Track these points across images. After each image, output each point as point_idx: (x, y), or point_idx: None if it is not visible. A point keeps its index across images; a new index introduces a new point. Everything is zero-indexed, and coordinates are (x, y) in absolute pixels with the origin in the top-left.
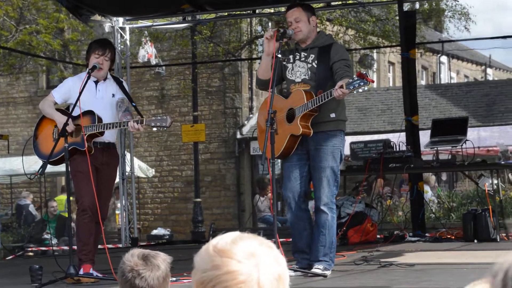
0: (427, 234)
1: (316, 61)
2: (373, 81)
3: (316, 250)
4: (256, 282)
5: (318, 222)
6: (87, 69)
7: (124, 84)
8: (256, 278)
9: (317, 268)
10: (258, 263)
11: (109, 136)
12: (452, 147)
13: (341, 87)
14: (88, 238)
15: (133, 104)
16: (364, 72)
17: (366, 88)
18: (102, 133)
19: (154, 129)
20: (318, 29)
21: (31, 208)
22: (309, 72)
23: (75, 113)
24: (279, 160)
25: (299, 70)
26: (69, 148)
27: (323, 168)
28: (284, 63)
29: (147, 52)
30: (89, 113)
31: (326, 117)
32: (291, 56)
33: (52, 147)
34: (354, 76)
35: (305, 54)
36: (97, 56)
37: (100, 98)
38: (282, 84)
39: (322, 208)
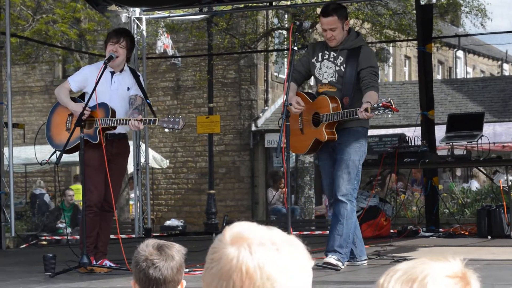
0: (440, 230)
1: (344, 65)
2: (397, 110)
3: (333, 239)
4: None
5: (336, 211)
6: (104, 59)
7: (141, 78)
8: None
9: (332, 258)
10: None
11: (120, 127)
12: (468, 142)
13: (366, 110)
14: (91, 231)
15: (148, 101)
16: (389, 101)
17: (390, 116)
18: (115, 127)
19: (166, 130)
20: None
21: (46, 198)
22: (337, 75)
23: (90, 104)
24: (293, 154)
25: (326, 71)
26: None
27: (345, 160)
28: (313, 60)
29: (163, 43)
30: (103, 105)
31: None
32: (320, 54)
33: (68, 136)
34: (380, 103)
35: (334, 55)
36: (112, 43)
37: (115, 89)
38: (309, 79)
39: (341, 198)
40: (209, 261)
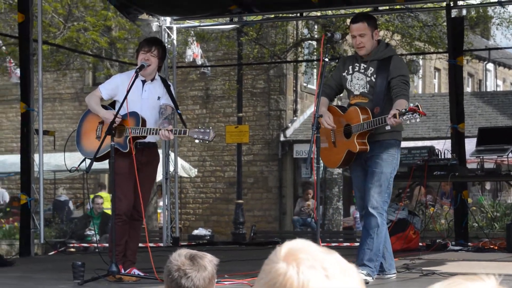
0: (469, 244)
1: (374, 75)
2: (425, 114)
3: (363, 253)
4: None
5: (367, 225)
6: (136, 68)
7: (172, 88)
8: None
9: (361, 272)
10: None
11: (150, 136)
12: (498, 156)
13: (395, 116)
14: (119, 240)
15: (178, 111)
16: (416, 105)
17: (418, 120)
18: (145, 136)
19: (196, 141)
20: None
21: (70, 205)
22: (368, 86)
23: (121, 113)
24: (323, 164)
25: (357, 83)
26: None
27: (376, 173)
28: (343, 74)
29: (193, 52)
30: (133, 114)
31: (381, 128)
32: (350, 67)
33: (99, 145)
34: (407, 108)
35: (365, 66)
36: (144, 52)
37: (146, 98)
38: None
39: (372, 211)
40: (262, 271)
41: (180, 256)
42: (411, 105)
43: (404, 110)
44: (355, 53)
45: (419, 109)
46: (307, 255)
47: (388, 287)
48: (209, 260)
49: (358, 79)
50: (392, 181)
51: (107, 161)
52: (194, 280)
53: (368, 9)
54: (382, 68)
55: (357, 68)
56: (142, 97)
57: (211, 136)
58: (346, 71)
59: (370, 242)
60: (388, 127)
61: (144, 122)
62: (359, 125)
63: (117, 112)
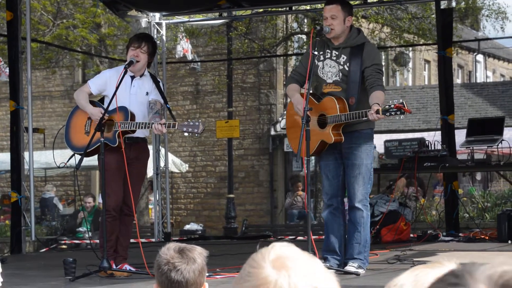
0: (460, 234)
1: (348, 64)
2: (410, 112)
3: (351, 247)
4: None
5: (353, 219)
6: (124, 64)
7: (161, 84)
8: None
9: (352, 266)
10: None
11: (139, 131)
12: (488, 146)
13: (377, 111)
14: (110, 236)
15: (168, 106)
16: (401, 102)
17: (402, 118)
18: (133, 131)
19: (186, 134)
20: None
21: (56, 201)
22: (340, 74)
23: (110, 108)
24: (313, 158)
25: (330, 71)
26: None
27: (358, 165)
28: (310, 63)
29: (183, 47)
30: (122, 109)
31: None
32: (321, 53)
33: (88, 140)
34: (392, 105)
35: (337, 53)
36: (133, 48)
37: (134, 94)
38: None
39: (358, 205)
40: (246, 273)
41: (169, 250)
42: (396, 102)
43: (388, 106)
44: (326, 40)
45: (404, 107)
46: (296, 264)
47: (379, 278)
48: (198, 253)
49: (330, 67)
50: (372, 171)
51: (96, 157)
52: (184, 273)
53: (358, 2)
54: (355, 56)
55: (328, 55)
56: (131, 92)
57: (200, 129)
58: (316, 57)
59: (358, 236)
60: (365, 117)
61: (133, 117)
62: (336, 116)
63: (107, 109)
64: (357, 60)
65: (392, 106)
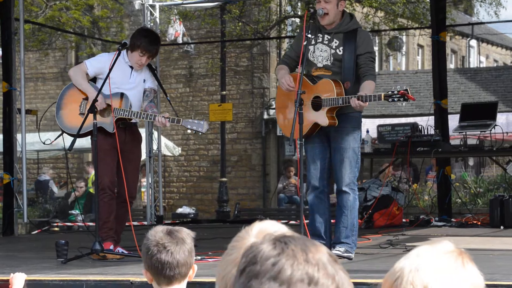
0: (453, 219)
1: (341, 48)
2: (414, 99)
3: (338, 231)
4: None
5: (340, 203)
6: (118, 46)
7: (157, 72)
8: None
9: (338, 250)
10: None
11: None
12: (481, 132)
13: (360, 99)
14: (108, 216)
15: (168, 98)
16: (406, 89)
17: (404, 104)
18: (130, 119)
19: (189, 131)
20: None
21: (51, 184)
22: (332, 58)
23: (106, 91)
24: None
25: (321, 55)
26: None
27: (345, 149)
28: (305, 43)
29: (176, 30)
30: (123, 97)
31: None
32: (313, 38)
33: (82, 122)
34: (396, 91)
35: (329, 38)
36: (142, 55)
37: (133, 82)
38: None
39: (344, 188)
40: (230, 247)
41: (157, 232)
42: (400, 88)
43: (391, 92)
44: (318, 22)
45: (408, 93)
46: (278, 232)
47: (372, 262)
48: (186, 233)
49: (321, 51)
50: (360, 155)
51: (89, 139)
52: (174, 254)
53: None
54: (349, 41)
55: (320, 39)
56: (130, 81)
57: (205, 128)
58: (308, 40)
59: (345, 219)
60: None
61: (131, 105)
62: (333, 99)
63: (99, 91)
64: (351, 45)
65: (396, 92)
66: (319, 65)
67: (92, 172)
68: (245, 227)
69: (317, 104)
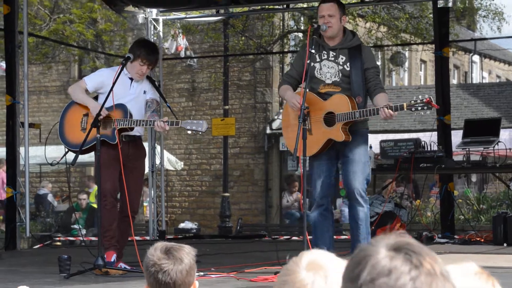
0: (456, 236)
1: (348, 64)
2: (438, 107)
3: (357, 243)
4: None
5: (354, 215)
6: (122, 60)
7: (157, 83)
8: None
9: None
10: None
11: (136, 129)
12: (484, 148)
13: (390, 108)
14: (110, 224)
15: (168, 104)
16: (429, 98)
17: (428, 113)
18: (132, 128)
19: (189, 132)
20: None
21: (50, 198)
22: (340, 74)
23: (107, 105)
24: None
25: (329, 71)
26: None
27: (357, 162)
28: (308, 61)
29: (179, 44)
30: (121, 107)
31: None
32: (317, 55)
33: (84, 137)
34: (418, 100)
35: (334, 54)
36: (142, 64)
37: (133, 93)
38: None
39: (359, 200)
40: (281, 282)
41: (155, 251)
42: (421, 97)
43: (414, 101)
44: (321, 39)
45: (432, 102)
46: (330, 264)
47: None
48: (186, 252)
49: (328, 67)
50: (370, 171)
51: (93, 153)
52: (171, 274)
53: (355, 0)
54: (354, 57)
55: (325, 56)
56: (130, 92)
57: (205, 128)
58: (311, 59)
59: (362, 231)
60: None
61: (131, 115)
62: (349, 113)
63: (103, 105)
64: (357, 61)
65: (418, 101)
66: (328, 81)
67: (94, 187)
68: (292, 259)
69: (329, 120)
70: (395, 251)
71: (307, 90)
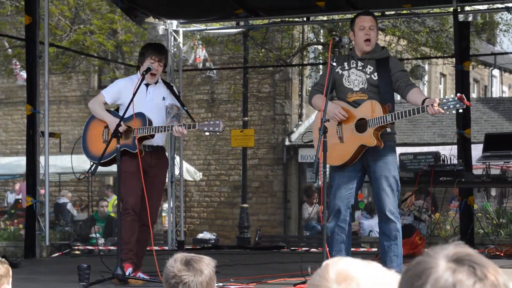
0: (475, 250)
1: (375, 74)
2: (470, 104)
3: (390, 260)
4: None
5: (387, 232)
6: (141, 71)
7: (175, 88)
8: None
9: None
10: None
11: (159, 139)
12: (504, 162)
13: (436, 103)
14: (130, 237)
15: (185, 108)
16: (461, 94)
17: (460, 110)
18: (152, 136)
19: (207, 133)
20: None
21: (69, 206)
22: (367, 83)
23: (126, 115)
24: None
25: (356, 79)
26: (120, 150)
27: (387, 177)
28: (337, 70)
29: (198, 55)
30: (140, 115)
31: (385, 130)
32: (345, 64)
33: (104, 148)
34: (450, 98)
35: (362, 64)
36: (153, 61)
37: (150, 100)
38: (333, 91)
39: (391, 217)
40: None
41: (176, 262)
42: (453, 96)
43: (446, 100)
44: (349, 52)
45: (464, 99)
46: (360, 273)
47: None
48: (206, 264)
49: (356, 75)
50: (399, 183)
51: (114, 165)
52: (191, 286)
53: (375, 14)
54: (382, 67)
55: (354, 65)
56: (147, 99)
57: (221, 127)
58: (340, 67)
59: (395, 248)
60: (388, 129)
61: (150, 122)
62: (382, 117)
63: (123, 116)
64: (385, 71)
65: (450, 99)
66: (355, 89)
67: (112, 196)
68: (317, 271)
69: (361, 126)
70: (457, 263)
71: (336, 99)
